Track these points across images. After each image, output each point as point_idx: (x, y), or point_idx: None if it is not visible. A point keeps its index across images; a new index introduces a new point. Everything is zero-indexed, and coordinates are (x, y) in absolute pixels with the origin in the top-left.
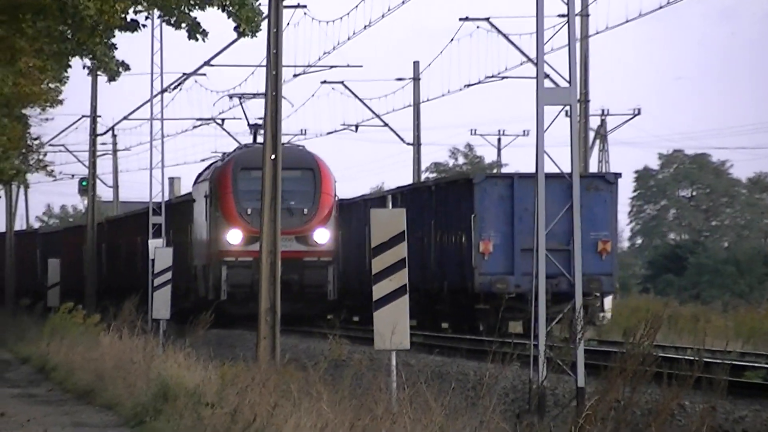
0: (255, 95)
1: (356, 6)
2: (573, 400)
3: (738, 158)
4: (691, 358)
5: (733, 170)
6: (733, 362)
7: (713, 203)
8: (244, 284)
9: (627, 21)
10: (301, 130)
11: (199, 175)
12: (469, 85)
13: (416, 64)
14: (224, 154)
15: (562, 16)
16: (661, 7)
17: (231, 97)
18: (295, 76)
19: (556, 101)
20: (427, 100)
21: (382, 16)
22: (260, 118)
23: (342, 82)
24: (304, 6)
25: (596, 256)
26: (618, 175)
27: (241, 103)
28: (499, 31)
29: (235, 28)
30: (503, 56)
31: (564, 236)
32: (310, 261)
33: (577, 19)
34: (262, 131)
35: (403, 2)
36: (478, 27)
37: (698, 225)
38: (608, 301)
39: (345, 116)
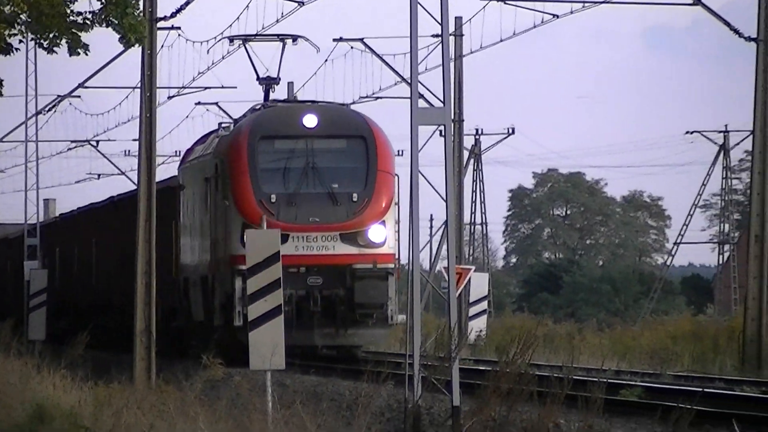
0: (262, 36)
1: (230, 25)
2: (448, 419)
3: (612, 177)
4: (563, 376)
5: (607, 189)
6: (609, 380)
7: (588, 222)
8: None
9: (501, 40)
10: (176, 152)
11: (189, 150)
12: (343, 105)
13: (290, 84)
14: (219, 124)
15: (436, 36)
16: (535, 26)
17: (231, 39)
18: (169, 97)
19: (431, 121)
20: None
21: (256, 35)
22: (271, 78)
23: (216, 104)
24: (178, 27)
25: None
26: None
27: (246, 49)
28: (373, 52)
29: (120, 39)
30: (377, 76)
31: None
32: (363, 269)
33: (451, 39)
34: (275, 86)
35: (277, 20)
36: (352, 47)
37: (573, 243)
38: (483, 320)
39: None
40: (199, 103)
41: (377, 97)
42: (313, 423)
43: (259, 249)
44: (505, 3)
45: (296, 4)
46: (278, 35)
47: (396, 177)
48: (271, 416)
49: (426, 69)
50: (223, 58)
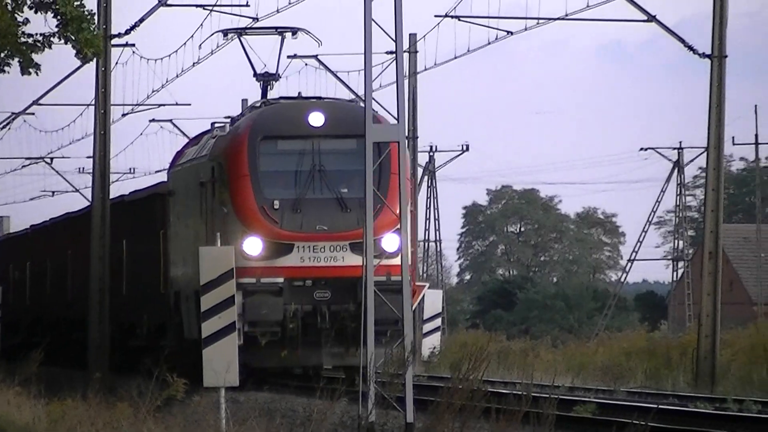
0: (259, 29)
1: (184, 43)
2: None
3: (566, 193)
4: (520, 392)
5: (561, 205)
6: (562, 397)
7: (542, 238)
8: (270, 321)
9: (455, 57)
10: (130, 169)
11: (180, 153)
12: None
13: (244, 101)
14: (212, 124)
15: (390, 53)
16: (489, 43)
17: (225, 34)
18: (123, 114)
19: (385, 138)
20: None
21: (211, 53)
22: (269, 74)
23: (171, 120)
24: (133, 45)
25: None
26: None
27: (241, 43)
28: (328, 69)
29: (77, 54)
30: (332, 93)
31: None
32: (376, 282)
33: (405, 56)
34: (273, 82)
35: (231, 38)
36: (306, 64)
37: (527, 260)
38: (437, 337)
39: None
40: (153, 120)
41: None
42: None
43: (212, 266)
44: (459, 20)
45: (250, 20)
46: (276, 28)
47: (412, 180)
48: None
49: (380, 86)
50: (177, 76)
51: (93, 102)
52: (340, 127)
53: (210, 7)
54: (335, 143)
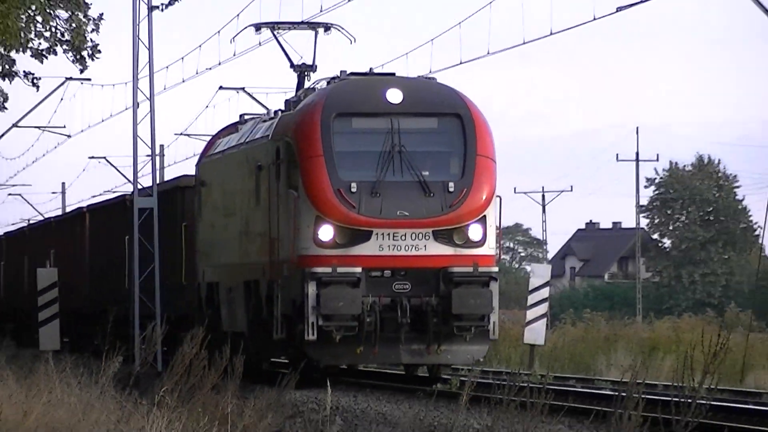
0: (292, 23)
1: (27, 149)
2: (157, 379)
3: None
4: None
5: None
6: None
7: None
8: (347, 315)
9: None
10: None
11: (210, 144)
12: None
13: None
14: (241, 115)
15: (149, 156)
16: None
17: (258, 28)
18: None
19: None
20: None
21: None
22: (306, 65)
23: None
24: None
25: None
26: None
27: (275, 36)
28: (111, 164)
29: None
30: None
31: None
32: (462, 273)
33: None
34: (311, 73)
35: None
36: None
37: None
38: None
39: None
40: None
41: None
42: (75, 379)
43: (44, 279)
44: (189, 137)
45: (65, 137)
46: (308, 23)
47: (495, 163)
48: (51, 376)
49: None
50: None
51: None
52: (420, 104)
53: (43, 128)
54: (416, 121)
